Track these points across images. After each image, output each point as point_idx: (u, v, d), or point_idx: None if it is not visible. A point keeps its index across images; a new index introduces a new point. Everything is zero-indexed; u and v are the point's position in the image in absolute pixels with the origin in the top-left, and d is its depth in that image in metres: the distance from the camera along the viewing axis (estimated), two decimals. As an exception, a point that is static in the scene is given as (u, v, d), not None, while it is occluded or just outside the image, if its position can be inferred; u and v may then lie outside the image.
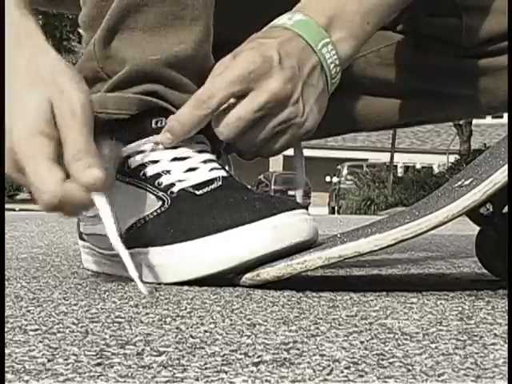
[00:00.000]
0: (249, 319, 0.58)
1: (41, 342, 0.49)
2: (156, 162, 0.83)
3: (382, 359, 0.45)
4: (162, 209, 0.81)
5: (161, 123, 0.83)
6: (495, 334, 0.53)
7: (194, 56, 0.83)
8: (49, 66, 0.75)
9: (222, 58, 0.82)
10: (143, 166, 0.83)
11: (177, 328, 0.54)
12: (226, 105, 0.79)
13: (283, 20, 0.82)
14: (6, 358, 0.44)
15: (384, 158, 22.74)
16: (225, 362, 0.43)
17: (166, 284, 0.78)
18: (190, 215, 0.79)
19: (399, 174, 19.71)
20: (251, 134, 0.81)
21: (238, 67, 0.79)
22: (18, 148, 0.72)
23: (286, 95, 0.80)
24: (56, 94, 0.73)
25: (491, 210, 0.81)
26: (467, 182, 0.73)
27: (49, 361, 0.43)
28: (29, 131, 0.73)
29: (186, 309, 0.63)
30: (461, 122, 17.02)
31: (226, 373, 0.41)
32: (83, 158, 0.73)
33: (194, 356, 0.45)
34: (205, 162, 0.83)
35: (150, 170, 0.82)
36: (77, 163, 0.72)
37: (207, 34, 0.84)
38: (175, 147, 0.82)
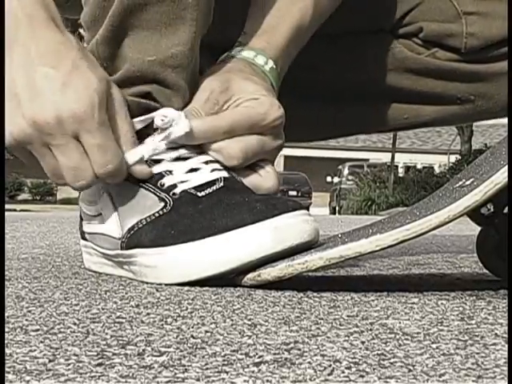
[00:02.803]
0: (250, 319, 0.58)
1: (42, 342, 0.49)
2: (158, 161, 0.83)
3: (383, 359, 0.45)
4: (164, 210, 0.81)
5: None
6: (496, 334, 0.53)
7: (188, 57, 0.83)
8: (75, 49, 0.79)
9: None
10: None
11: (178, 328, 0.54)
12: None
13: (261, 61, 0.88)
14: (7, 358, 0.44)
15: (385, 158, 22.76)
16: (226, 363, 0.43)
17: (166, 285, 0.78)
18: (192, 216, 0.79)
19: (400, 174, 19.69)
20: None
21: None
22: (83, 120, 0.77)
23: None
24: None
25: (492, 210, 0.80)
26: (468, 183, 0.73)
27: (50, 361, 0.43)
28: (90, 106, 0.77)
29: (187, 309, 0.63)
30: (461, 123, 17.00)
31: (227, 373, 0.41)
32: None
33: (195, 356, 0.45)
34: (206, 162, 0.83)
35: (153, 170, 0.82)
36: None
37: (200, 36, 0.85)
38: (177, 147, 0.82)
